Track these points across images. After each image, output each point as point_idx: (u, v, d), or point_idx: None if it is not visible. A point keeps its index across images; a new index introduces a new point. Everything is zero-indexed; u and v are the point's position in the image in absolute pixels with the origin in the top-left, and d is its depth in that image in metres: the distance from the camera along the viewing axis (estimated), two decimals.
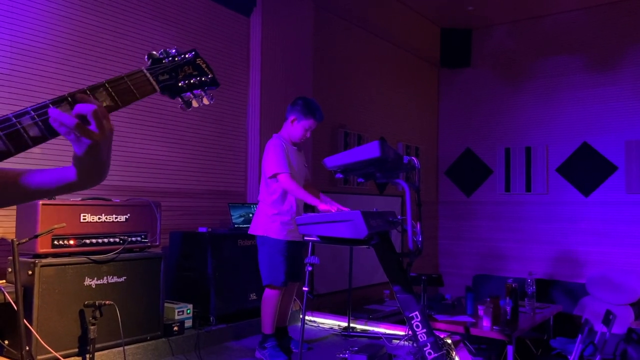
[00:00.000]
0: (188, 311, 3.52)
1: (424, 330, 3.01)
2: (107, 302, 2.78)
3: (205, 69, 1.13)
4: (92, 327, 2.75)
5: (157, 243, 3.28)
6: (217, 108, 4.45)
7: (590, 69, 6.70)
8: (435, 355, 2.98)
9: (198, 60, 1.12)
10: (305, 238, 2.76)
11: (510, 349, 4.30)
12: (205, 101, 1.15)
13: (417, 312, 3.03)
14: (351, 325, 4.07)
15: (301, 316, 4.16)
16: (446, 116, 7.87)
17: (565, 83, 6.86)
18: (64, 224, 2.67)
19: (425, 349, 2.99)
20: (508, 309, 4.59)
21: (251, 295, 3.83)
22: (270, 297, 3.28)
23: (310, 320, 4.25)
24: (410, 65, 7.21)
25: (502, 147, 7.26)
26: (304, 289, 2.74)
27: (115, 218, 3.08)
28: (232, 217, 4.13)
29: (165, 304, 3.46)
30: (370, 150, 2.70)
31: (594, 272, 6.35)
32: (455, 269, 7.66)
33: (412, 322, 3.04)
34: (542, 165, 6.94)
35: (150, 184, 3.94)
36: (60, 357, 2.68)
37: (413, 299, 3.06)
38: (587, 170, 6.63)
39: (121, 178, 3.71)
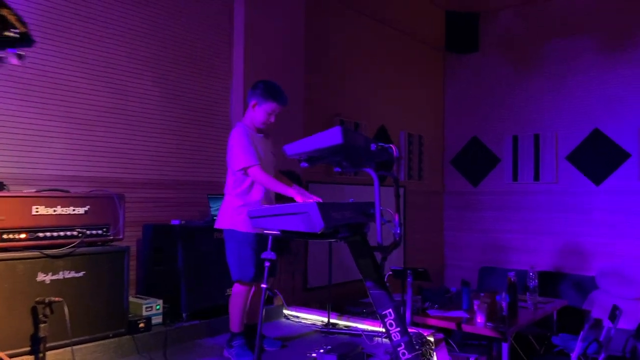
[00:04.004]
0: (157, 307, 3.37)
1: (398, 329, 2.81)
2: (56, 298, 2.64)
3: (14, 22, 0.93)
4: (42, 325, 2.62)
5: (120, 236, 3.14)
6: (198, 95, 4.29)
7: (602, 52, 6.36)
8: (409, 356, 2.78)
9: (3, 12, 0.92)
10: (265, 232, 2.58)
11: (505, 347, 4.08)
12: (15, 60, 0.95)
13: (390, 310, 2.83)
14: (333, 321, 3.88)
15: (287, 311, 3.99)
16: (452, 103, 7.60)
17: (575, 67, 6.53)
18: (3, 217, 2.53)
19: (399, 349, 2.79)
20: (504, 304, 4.36)
21: (227, 290, 3.66)
22: (238, 294, 3.11)
23: (293, 316, 4.08)
24: (413, 50, 6.95)
25: (510, 134, 6.98)
26: (262, 285, 2.57)
27: (73, 210, 2.93)
28: (212, 209, 3.97)
29: (133, 300, 3.33)
30: (331, 137, 2.49)
31: (604, 265, 6.07)
32: (461, 261, 7.43)
33: (386, 320, 2.84)
34: (551, 153, 6.64)
35: (126, 175, 3.79)
36: (5, 357, 2.55)
37: (386, 295, 2.86)
38: (598, 157, 6.32)
39: (89, 169, 3.58)
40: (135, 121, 3.86)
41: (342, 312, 4.93)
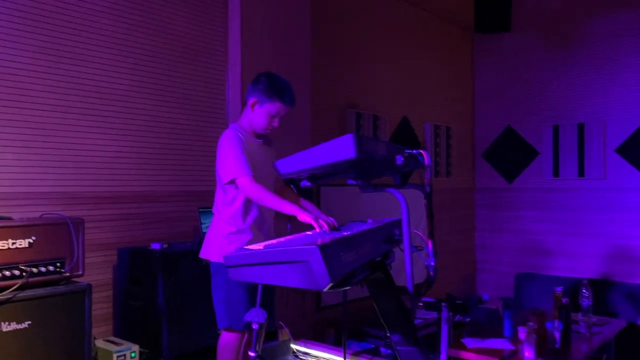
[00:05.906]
0: (132, 354, 2.74)
1: None
2: None
3: None
4: None
5: (80, 272, 2.50)
6: (187, 90, 3.62)
7: None
8: None
9: None
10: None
11: None
12: None
13: None
14: None
15: (295, 346, 3.27)
16: (483, 90, 6.83)
17: (625, 46, 5.71)
18: None
19: None
20: (557, 334, 3.64)
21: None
22: (228, 346, 2.44)
23: (302, 352, 3.42)
24: (438, 31, 6.19)
25: (550, 124, 6.20)
26: (250, 354, 1.91)
27: (13, 243, 2.30)
28: (202, 226, 3.32)
29: (102, 346, 2.71)
30: (341, 150, 1.80)
31: None
32: (495, 265, 6.70)
33: None
34: (598, 145, 5.86)
35: (99, 189, 3.15)
36: None
37: (419, 353, 2.19)
38: None
39: (49, 182, 2.93)
40: (108, 122, 3.21)
41: (362, 338, 4.29)
